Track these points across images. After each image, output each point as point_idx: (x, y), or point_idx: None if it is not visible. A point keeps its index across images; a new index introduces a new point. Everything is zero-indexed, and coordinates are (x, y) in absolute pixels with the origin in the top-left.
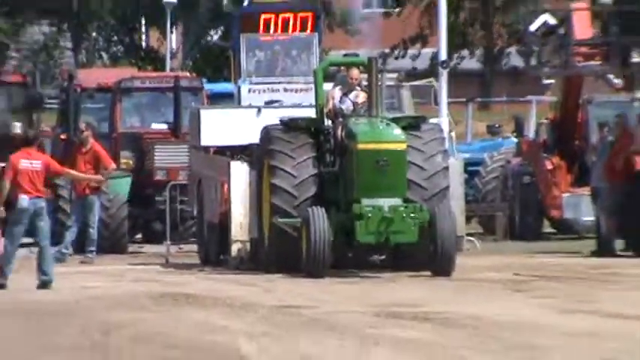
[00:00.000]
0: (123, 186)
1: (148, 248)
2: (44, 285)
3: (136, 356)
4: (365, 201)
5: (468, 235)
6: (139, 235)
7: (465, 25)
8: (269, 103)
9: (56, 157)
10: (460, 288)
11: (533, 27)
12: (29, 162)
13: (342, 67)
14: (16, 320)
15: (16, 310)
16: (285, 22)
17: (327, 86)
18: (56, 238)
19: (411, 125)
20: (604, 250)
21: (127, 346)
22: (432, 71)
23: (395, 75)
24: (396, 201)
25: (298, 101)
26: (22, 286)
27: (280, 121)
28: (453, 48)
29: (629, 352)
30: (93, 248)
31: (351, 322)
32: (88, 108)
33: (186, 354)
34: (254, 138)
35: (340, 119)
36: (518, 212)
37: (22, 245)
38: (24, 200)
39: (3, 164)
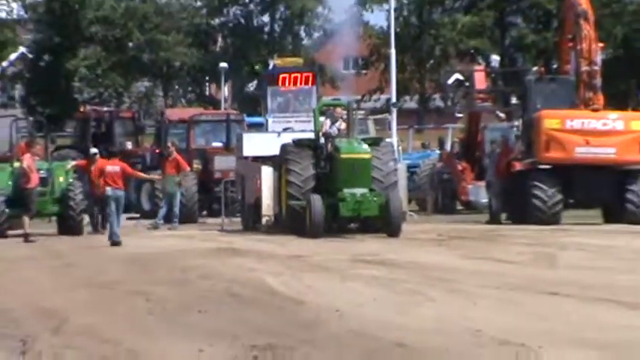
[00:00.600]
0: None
1: (210, 220)
2: (116, 243)
3: (201, 286)
4: (345, 190)
5: (410, 211)
6: (205, 212)
7: (407, 80)
8: (285, 130)
9: (153, 164)
10: (404, 244)
11: (449, 81)
12: (112, 167)
13: (331, 107)
14: (126, 264)
15: (126, 257)
16: (295, 79)
17: (321, 119)
18: (153, 214)
19: (374, 143)
20: (494, 220)
21: (196, 280)
22: (386, 109)
23: (363, 112)
24: (365, 190)
25: (303, 128)
26: (130, 244)
27: (292, 140)
28: (399, 94)
29: (508, 283)
30: (176, 220)
31: (337, 265)
32: (172, 133)
33: (231, 285)
34: (276, 151)
35: (330, 139)
36: (440, 196)
37: (130, 219)
38: (108, 190)
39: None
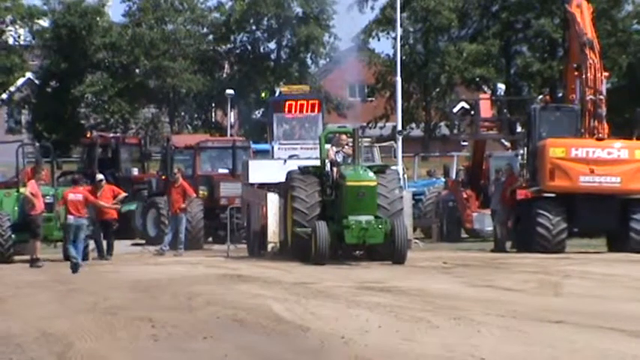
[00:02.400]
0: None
1: (216, 246)
2: (74, 267)
3: (207, 312)
4: (351, 217)
5: (415, 238)
6: (210, 238)
7: (413, 108)
8: (291, 157)
9: (159, 190)
10: (409, 271)
11: (455, 109)
12: (74, 195)
13: (337, 134)
14: (131, 289)
15: (132, 283)
16: (301, 106)
17: (327, 146)
18: (159, 240)
19: (380, 170)
20: (499, 248)
21: (202, 307)
22: (392, 137)
23: (369, 139)
24: (370, 217)
25: (309, 155)
26: (135, 270)
27: (298, 167)
28: (405, 122)
29: (513, 311)
30: (181, 246)
31: (342, 292)
32: (178, 159)
33: (237, 311)
34: (282, 178)
35: (335, 166)
36: (445, 224)
37: (135, 244)
38: (70, 218)
39: (126, 194)
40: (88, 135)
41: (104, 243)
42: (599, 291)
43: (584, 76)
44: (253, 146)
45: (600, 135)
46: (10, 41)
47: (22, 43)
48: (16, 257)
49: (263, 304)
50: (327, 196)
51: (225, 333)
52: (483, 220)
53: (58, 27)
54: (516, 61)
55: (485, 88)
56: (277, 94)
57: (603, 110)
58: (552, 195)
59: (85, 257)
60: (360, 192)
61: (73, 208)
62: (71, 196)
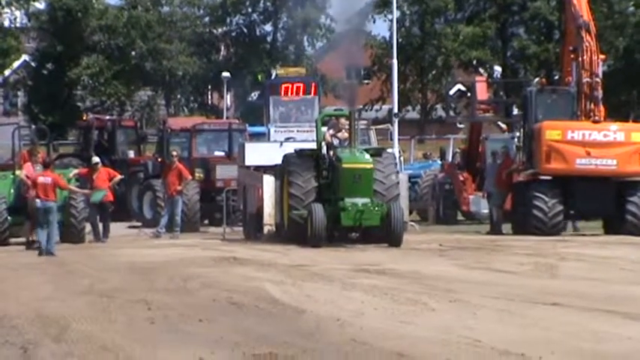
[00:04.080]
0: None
1: (212, 229)
2: (49, 253)
3: (203, 295)
4: (347, 200)
5: (411, 221)
6: (206, 221)
7: (409, 90)
8: (287, 139)
9: (155, 173)
10: (406, 254)
11: (451, 92)
12: (44, 178)
13: (335, 118)
14: (127, 272)
15: (128, 266)
16: (297, 88)
17: (324, 128)
18: (155, 222)
19: (376, 153)
20: (494, 231)
21: (198, 289)
22: (388, 119)
23: (365, 121)
24: (366, 200)
25: (305, 138)
26: (131, 253)
27: (295, 150)
28: (401, 104)
29: (509, 293)
30: (178, 228)
31: (338, 274)
32: (175, 142)
33: (232, 294)
34: (278, 160)
35: (332, 149)
36: (441, 207)
37: (132, 227)
38: (38, 202)
39: (122, 177)
40: (84, 117)
41: (100, 225)
42: (595, 273)
43: (580, 59)
44: (249, 129)
45: (596, 117)
46: (6, 23)
47: (18, 25)
48: (12, 240)
49: (259, 287)
50: (324, 178)
51: (220, 315)
52: (479, 202)
53: (54, 9)
54: (513, 44)
55: (482, 71)
56: (273, 76)
57: (599, 93)
58: (548, 178)
59: (80, 240)
60: (356, 174)
61: (42, 192)
62: (40, 179)
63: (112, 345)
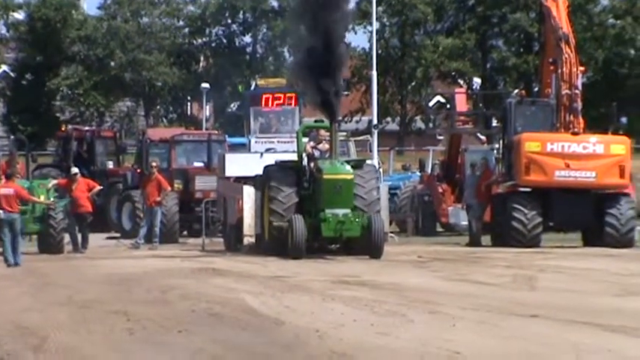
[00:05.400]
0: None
1: (191, 240)
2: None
3: (182, 306)
4: (327, 210)
5: (391, 232)
6: (185, 232)
7: (388, 102)
8: (268, 150)
9: (134, 183)
10: (385, 265)
11: (431, 103)
12: (6, 189)
13: (316, 130)
14: (106, 283)
15: (107, 277)
16: (278, 99)
17: (305, 140)
18: (134, 233)
19: (357, 165)
20: (474, 242)
21: (177, 300)
22: (367, 131)
23: (345, 133)
24: (347, 211)
25: (286, 149)
26: (110, 264)
27: (275, 162)
28: (381, 116)
29: (488, 305)
30: (157, 239)
31: (317, 286)
32: (154, 152)
33: (212, 305)
34: (258, 171)
35: (313, 160)
36: (420, 218)
37: (110, 238)
38: (1, 214)
39: (101, 187)
40: (63, 128)
41: (79, 236)
42: (574, 285)
43: (559, 71)
44: (229, 140)
45: (576, 129)
46: None
47: None
48: None
49: (238, 298)
50: (305, 189)
51: (200, 326)
52: (459, 214)
53: (34, 20)
54: (492, 55)
55: (461, 82)
56: (253, 87)
57: (579, 105)
58: (528, 189)
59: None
60: (337, 185)
61: (5, 203)
62: (2, 191)
63: (91, 356)
